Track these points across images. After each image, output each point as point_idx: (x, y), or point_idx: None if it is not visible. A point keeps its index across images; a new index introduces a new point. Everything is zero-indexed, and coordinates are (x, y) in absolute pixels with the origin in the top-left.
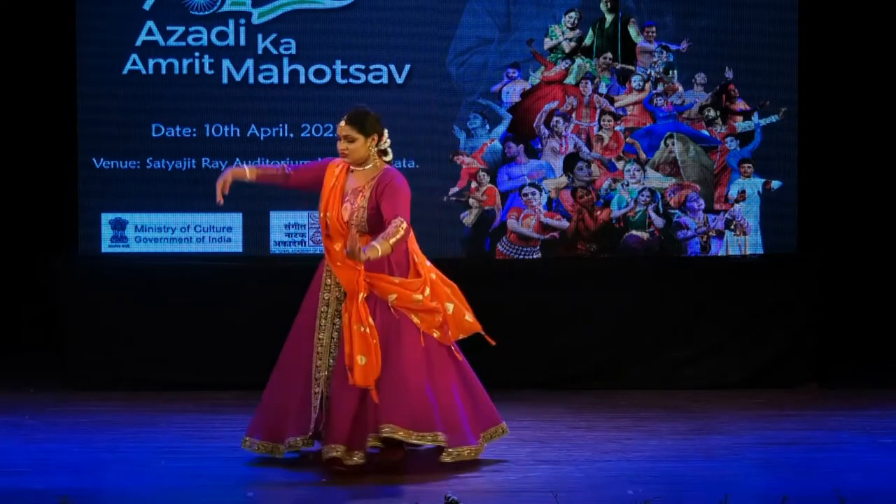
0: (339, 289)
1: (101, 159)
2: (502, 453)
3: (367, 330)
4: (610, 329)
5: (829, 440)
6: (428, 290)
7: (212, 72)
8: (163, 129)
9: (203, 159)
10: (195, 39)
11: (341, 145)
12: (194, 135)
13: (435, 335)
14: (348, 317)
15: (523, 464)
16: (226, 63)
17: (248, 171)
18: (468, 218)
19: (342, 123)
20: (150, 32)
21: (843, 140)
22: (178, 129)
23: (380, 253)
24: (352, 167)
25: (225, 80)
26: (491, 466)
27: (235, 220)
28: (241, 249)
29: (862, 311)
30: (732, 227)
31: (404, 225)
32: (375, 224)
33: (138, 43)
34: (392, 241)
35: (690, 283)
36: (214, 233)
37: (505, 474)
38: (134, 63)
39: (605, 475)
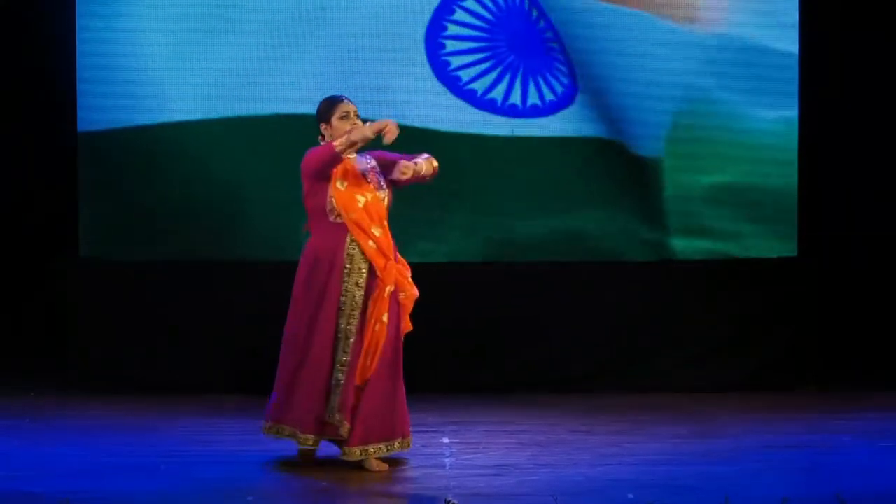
0: (362, 276)
1: (102, 159)
2: (502, 457)
3: (379, 327)
4: (609, 331)
5: (830, 443)
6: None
7: None
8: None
9: None
10: None
11: (359, 122)
12: None
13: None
14: (372, 309)
15: (523, 467)
16: None
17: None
18: None
19: (348, 101)
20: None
21: (844, 141)
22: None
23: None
24: (347, 154)
25: None
26: (491, 470)
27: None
28: (242, 250)
29: (862, 314)
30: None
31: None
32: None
33: (138, 42)
34: (435, 163)
35: (691, 284)
36: (215, 233)
37: (504, 478)
38: (134, 63)
39: (606, 479)
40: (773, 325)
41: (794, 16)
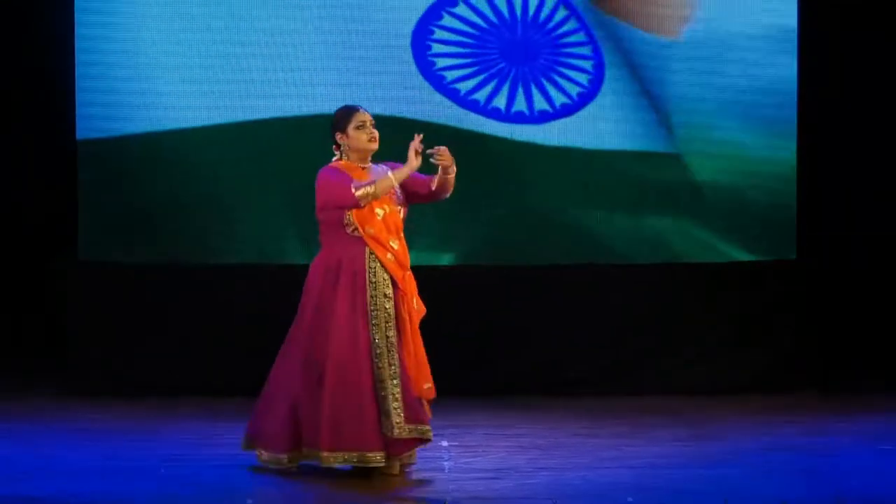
0: (388, 288)
1: (101, 164)
2: (502, 460)
3: (418, 339)
4: (610, 334)
5: (830, 446)
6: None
7: None
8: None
9: None
10: None
11: (375, 132)
12: None
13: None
14: (409, 322)
15: (522, 471)
16: None
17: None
18: None
19: (364, 111)
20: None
21: (844, 143)
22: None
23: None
24: (363, 165)
25: None
26: (490, 473)
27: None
28: (242, 252)
29: (862, 314)
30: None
31: None
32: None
33: (137, 50)
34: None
35: (691, 284)
36: (215, 235)
37: (504, 481)
38: (133, 71)
39: (605, 482)
40: (773, 326)
41: (793, 16)
